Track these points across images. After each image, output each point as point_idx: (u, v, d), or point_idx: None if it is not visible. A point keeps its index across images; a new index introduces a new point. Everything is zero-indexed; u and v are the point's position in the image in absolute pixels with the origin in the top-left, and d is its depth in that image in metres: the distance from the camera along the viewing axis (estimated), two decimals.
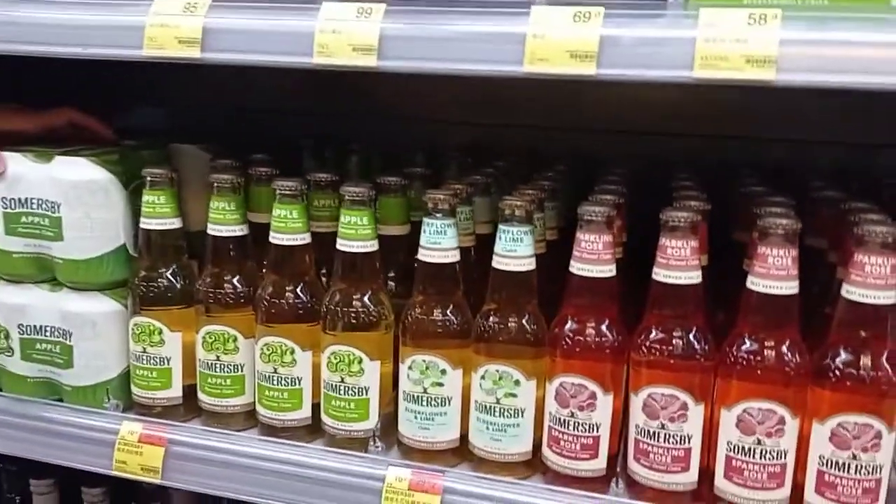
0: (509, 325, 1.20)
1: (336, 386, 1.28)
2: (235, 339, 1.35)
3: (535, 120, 1.90)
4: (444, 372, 1.23)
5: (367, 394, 1.28)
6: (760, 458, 1.10)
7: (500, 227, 1.19)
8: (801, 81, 0.94)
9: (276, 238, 1.29)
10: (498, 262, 1.20)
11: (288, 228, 1.28)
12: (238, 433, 1.36)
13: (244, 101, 1.95)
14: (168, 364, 1.38)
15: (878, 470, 1.06)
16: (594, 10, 1.01)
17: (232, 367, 1.36)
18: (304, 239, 1.30)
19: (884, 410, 1.05)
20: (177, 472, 1.32)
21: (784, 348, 1.09)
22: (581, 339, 1.16)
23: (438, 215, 1.21)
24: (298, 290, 1.30)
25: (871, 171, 1.65)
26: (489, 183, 1.43)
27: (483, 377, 1.21)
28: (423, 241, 1.23)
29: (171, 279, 1.37)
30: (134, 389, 1.41)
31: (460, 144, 1.77)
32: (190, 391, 1.40)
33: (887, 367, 1.05)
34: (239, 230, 1.34)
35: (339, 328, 1.27)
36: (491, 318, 1.21)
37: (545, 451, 1.22)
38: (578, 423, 1.18)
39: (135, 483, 1.41)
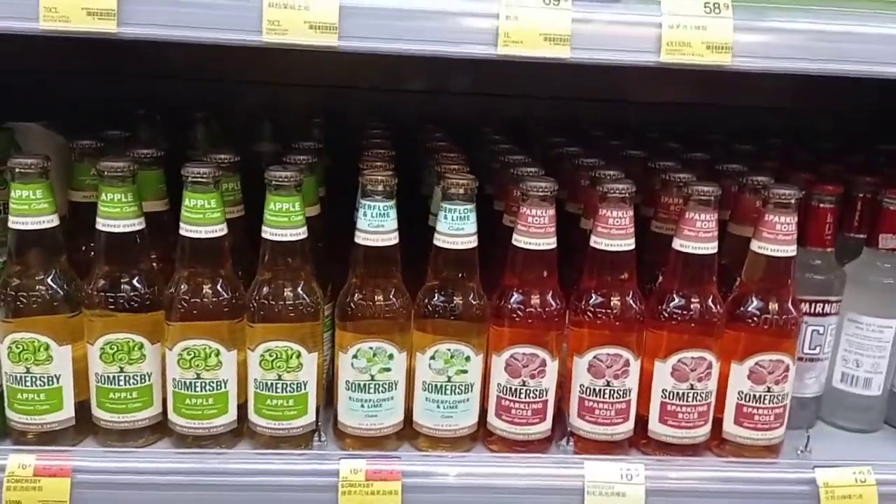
0: (460, 302, 1.20)
1: (272, 384, 1.21)
2: (142, 347, 1.20)
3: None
4: (391, 357, 1.21)
5: (306, 388, 1.22)
6: (692, 400, 1.23)
7: (445, 205, 1.19)
8: (752, 66, 1.04)
9: (190, 231, 1.16)
10: (444, 241, 1.19)
11: (206, 220, 1.16)
12: (151, 449, 1.23)
13: None
14: (58, 382, 1.20)
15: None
16: None
17: (138, 378, 1.21)
18: (223, 230, 1.18)
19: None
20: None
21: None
22: (532, 310, 1.20)
23: (378, 197, 1.17)
24: (219, 285, 1.19)
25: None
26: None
27: (433, 357, 1.21)
28: (362, 224, 1.18)
29: (54, 285, 1.18)
30: (11, 415, 1.21)
31: None
32: (81, 410, 1.23)
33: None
34: (137, 224, 1.18)
35: (274, 322, 1.19)
36: (439, 298, 1.21)
37: (493, 420, 1.26)
38: (530, 391, 1.23)
39: None
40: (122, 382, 1.21)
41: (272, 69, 1.90)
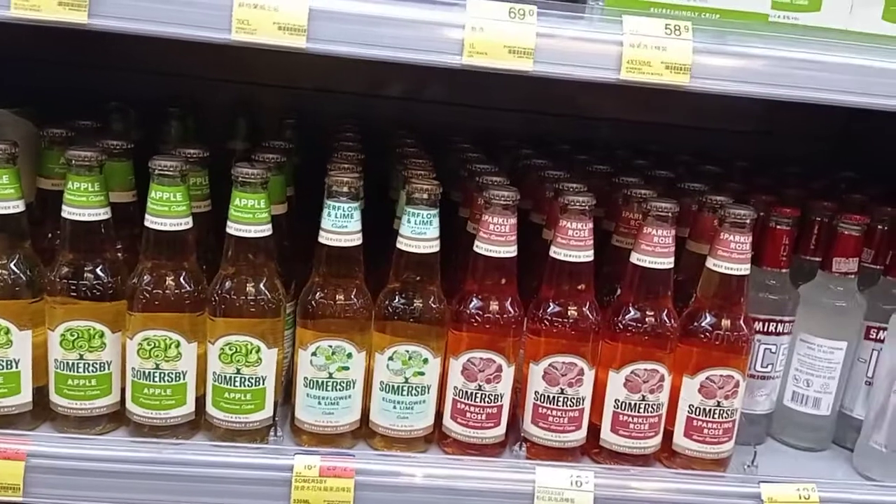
0: (420, 306, 1.22)
1: (230, 377, 1.22)
2: (102, 335, 1.22)
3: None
4: (350, 356, 1.23)
5: (264, 383, 1.23)
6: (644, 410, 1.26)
7: (409, 209, 1.21)
8: (709, 88, 1.07)
9: (155, 223, 1.18)
10: (406, 245, 1.21)
11: (171, 212, 1.17)
12: (107, 437, 1.24)
13: None
14: (17, 367, 1.21)
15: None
16: (528, 8, 1.06)
17: (98, 366, 1.23)
18: (188, 223, 1.20)
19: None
20: (42, 488, 1.17)
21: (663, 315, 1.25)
22: (490, 315, 1.23)
23: (343, 199, 1.19)
24: (182, 278, 1.21)
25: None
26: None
27: (391, 358, 1.23)
28: (326, 224, 1.20)
29: (17, 270, 1.19)
30: None
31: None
32: (39, 395, 1.24)
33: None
34: (103, 213, 1.20)
35: (235, 316, 1.20)
36: (399, 300, 1.23)
37: (448, 422, 1.28)
38: (485, 395, 1.25)
39: None
40: (81, 370, 1.22)
41: (253, 69, 1.92)
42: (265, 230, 1.20)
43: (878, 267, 1.42)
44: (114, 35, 1.03)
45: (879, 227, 1.42)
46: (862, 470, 1.36)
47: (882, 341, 1.36)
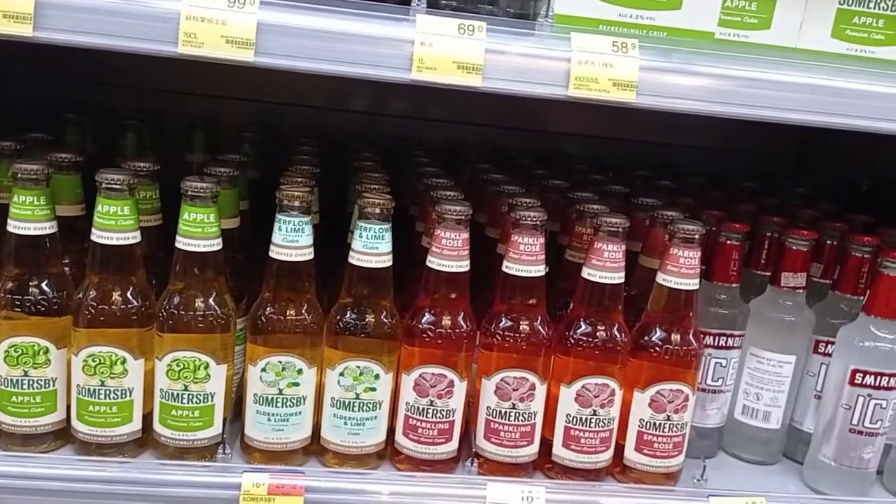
0: (371, 321, 1.22)
1: (178, 395, 1.20)
2: (47, 351, 1.20)
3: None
4: (300, 371, 1.22)
5: (212, 400, 1.22)
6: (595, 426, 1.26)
7: (361, 223, 1.20)
8: (656, 105, 1.08)
9: (101, 237, 1.16)
10: (358, 260, 1.21)
11: (118, 226, 1.16)
12: (52, 455, 1.22)
13: None
14: None
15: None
16: (476, 24, 1.06)
17: (42, 383, 1.20)
18: (136, 237, 1.18)
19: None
20: None
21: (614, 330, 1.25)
22: (442, 331, 1.22)
23: (294, 213, 1.19)
24: (129, 293, 1.19)
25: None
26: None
27: (342, 374, 1.22)
28: (277, 238, 1.19)
29: None
30: None
31: None
32: None
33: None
34: (49, 227, 1.18)
35: (183, 332, 1.19)
36: (351, 315, 1.22)
37: (400, 439, 1.27)
38: (437, 411, 1.24)
39: None
40: (25, 386, 1.20)
41: (216, 82, 1.91)
42: (215, 244, 1.19)
43: (827, 281, 1.44)
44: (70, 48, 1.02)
45: (828, 241, 1.45)
46: (812, 483, 1.38)
47: (830, 355, 1.38)
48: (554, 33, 1.11)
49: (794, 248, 1.35)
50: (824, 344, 1.40)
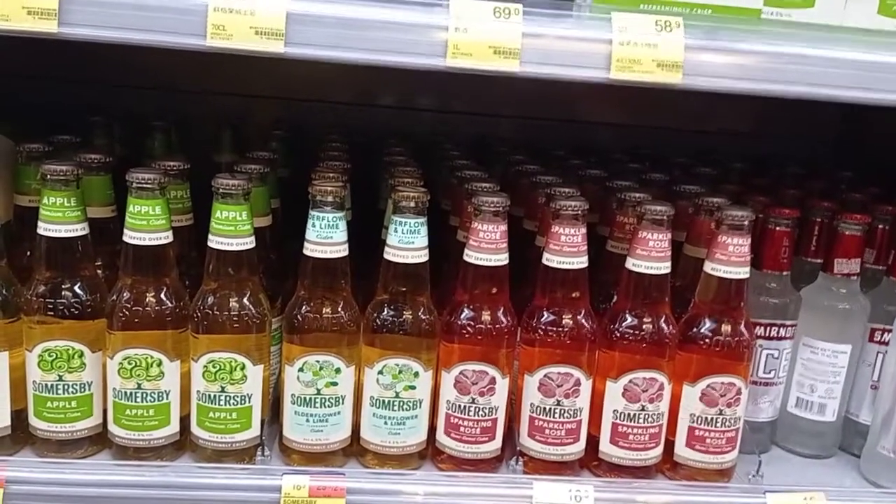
0: (409, 317, 1.19)
1: (215, 396, 1.18)
2: (82, 355, 1.18)
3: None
4: (338, 371, 1.19)
5: (250, 401, 1.19)
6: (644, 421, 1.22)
7: (395, 218, 1.17)
8: (703, 86, 1.03)
9: (134, 238, 1.14)
10: (394, 255, 1.17)
11: (150, 227, 1.14)
12: (89, 461, 1.20)
13: None
14: None
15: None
16: (513, 7, 1.02)
17: (78, 387, 1.19)
18: (168, 237, 1.16)
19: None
20: None
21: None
22: (482, 326, 1.19)
23: (328, 209, 1.15)
24: (163, 294, 1.17)
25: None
26: None
27: (381, 372, 1.19)
28: (311, 235, 1.16)
29: None
30: None
31: None
32: (17, 419, 1.20)
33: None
34: (80, 229, 1.16)
35: (218, 333, 1.16)
36: (388, 312, 1.19)
37: (442, 438, 1.23)
38: (479, 409, 1.21)
39: None
40: (60, 391, 1.18)
41: (243, 80, 1.89)
42: (248, 243, 1.16)
43: (881, 267, 1.38)
44: (103, 48, 1.00)
45: (881, 226, 1.39)
46: (870, 476, 1.32)
47: (887, 343, 1.32)
48: (593, 14, 1.06)
49: (848, 233, 1.30)
50: (880, 332, 1.35)
